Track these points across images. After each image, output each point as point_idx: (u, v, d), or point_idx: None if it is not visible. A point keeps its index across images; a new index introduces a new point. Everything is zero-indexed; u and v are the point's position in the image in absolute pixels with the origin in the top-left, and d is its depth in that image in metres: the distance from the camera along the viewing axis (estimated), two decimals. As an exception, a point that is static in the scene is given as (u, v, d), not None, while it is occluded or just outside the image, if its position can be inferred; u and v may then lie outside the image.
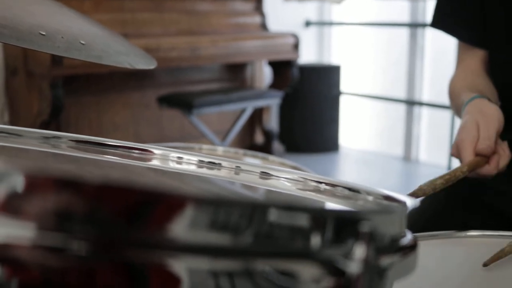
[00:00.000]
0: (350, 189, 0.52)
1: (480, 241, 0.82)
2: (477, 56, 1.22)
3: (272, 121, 4.14)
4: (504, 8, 1.16)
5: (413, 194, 0.84)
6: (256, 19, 3.85)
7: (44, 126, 2.96)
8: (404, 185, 3.92)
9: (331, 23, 4.86)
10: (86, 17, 1.01)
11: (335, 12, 4.82)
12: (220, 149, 1.34)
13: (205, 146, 1.33)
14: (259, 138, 4.02)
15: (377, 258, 0.34)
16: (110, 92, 3.35)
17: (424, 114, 4.29)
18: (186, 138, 3.59)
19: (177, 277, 0.33)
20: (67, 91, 2.97)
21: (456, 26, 1.27)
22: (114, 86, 3.35)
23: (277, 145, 4.00)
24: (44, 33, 0.74)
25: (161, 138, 3.52)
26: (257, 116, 3.96)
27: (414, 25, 4.17)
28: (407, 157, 4.30)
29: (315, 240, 0.32)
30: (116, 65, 0.83)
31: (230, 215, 0.32)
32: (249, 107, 3.50)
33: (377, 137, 4.67)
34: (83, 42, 0.79)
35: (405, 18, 4.25)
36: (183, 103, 3.16)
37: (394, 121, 4.45)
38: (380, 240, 0.35)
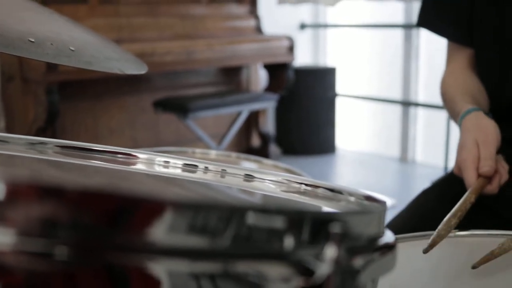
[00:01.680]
0: (332, 190, 0.53)
1: (469, 241, 0.83)
2: (465, 55, 1.23)
3: (269, 124, 4.15)
4: (493, 7, 1.17)
5: (434, 243, 0.81)
6: (251, 22, 3.86)
7: (40, 132, 2.97)
8: (401, 185, 3.93)
9: (326, 26, 4.87)
10: (77, 23, 1.02)
11: (330, 15, 4.84)
12: (213, 153, 1.35)
13: (198, 150, 1.34)
14: (255, 141, 4.03)
15: (350, 259, 0.34)
16: (106, 97, 3.35)
17: (420, 115, 4.30)
18: (182, 142, 3.59)
19: (157, 279, 0.33)
20: (62, 96, 2.98)
21: (441, 25, 1.27)
22: (109, 90, 3.35)
23: (273, 148, 4.00)
24: (33, 40, 0.74)
25: (157, 142, 3.53)
26: (253, 119, 3.97)
27: (409, 26, 4.18)
28: (404, 158, 4.31)
29: (288, 242, 0.33)
30: (106, 71, 0.83)
31: (208, 219, 0.33)
32: (245, 110, 3.51)
33: (374, 138, 4.68)
34: (72, 49, 0.80)
35: (399, 19, 4.27)
36: (179, 107, 3.17)
37: (390, 122, 4.46)
38: (355, 240, 0.36)
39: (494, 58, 1.19)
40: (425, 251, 0.78)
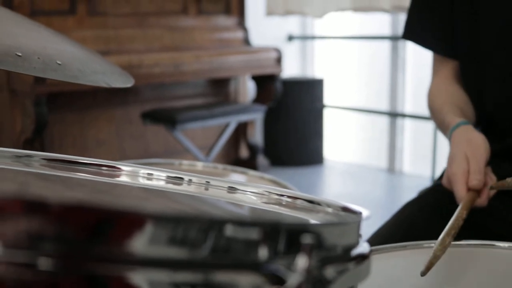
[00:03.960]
0: (310, 201, 0.54)
1: (448, 250, 0.84)
2: (450, 66, 1.25)
3: (257, 136, 4.16)
4: (469, 18, 1.19)
5: (430, 265, 0.80)
6: (239, 34, 3.88)
7: (28, 143, 2.97)
8: (389, 196, 3.95)
9: (313, 37, 4.91)
10: (65, 36, 1.03)
11: (318, 26, 4.87)
12: (199, 165, 1.36)
13: (185, 162, 1.35)
14: (244, 152, 4.04)
15: (321, 268, 0.36)
16: (94, 109, 3.36)
17: (407, 126, 4.33)
18: (171, 153, 3.60)
19: (138, 288, 0.35)
20: (50, 108, 2.98)
21: (426, 37, 1.29)
22: (98, 102, 3.36)
23: (262, 159, 4.02)
24: (20, 54, 0.76)
25: (146, 154, 3.53)
26: (242, 130, 3.98)
27: (395, 38, 4.22)
28: (391, 168, 4.33)
29: (262, 252, 0.34)
30: (93, 84, 0.85)
31: (187, 231, 0.34)
32: (233, 121, 3.52)
33: (361, 150, 4.70)
34: (59, 62, 0.81)
35: (386, 31, 4.30)
36: (167, 118, 3.18)
37: (378, 133, 4.49)
38: (329, 250, 0.38)
39: (473, 70, 1.20)
40: (423, 274, 0.77)
